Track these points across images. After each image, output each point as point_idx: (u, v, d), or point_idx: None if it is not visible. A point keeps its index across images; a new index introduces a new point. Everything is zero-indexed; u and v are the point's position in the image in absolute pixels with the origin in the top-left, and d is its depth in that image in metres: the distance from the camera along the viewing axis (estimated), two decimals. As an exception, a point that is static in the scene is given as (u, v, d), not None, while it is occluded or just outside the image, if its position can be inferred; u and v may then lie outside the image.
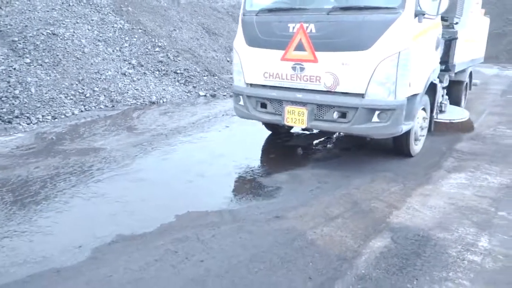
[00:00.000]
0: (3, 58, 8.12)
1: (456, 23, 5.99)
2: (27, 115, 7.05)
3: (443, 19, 5.69)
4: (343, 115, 4.58)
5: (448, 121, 6.68)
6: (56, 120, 7.23)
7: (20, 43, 8.74)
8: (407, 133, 4.87)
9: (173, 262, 2.98)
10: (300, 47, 4.62)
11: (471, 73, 8.69)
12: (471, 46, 7.49)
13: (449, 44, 5.96)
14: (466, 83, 8.37)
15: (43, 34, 9.20)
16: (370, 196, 4.19)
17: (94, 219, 3.61)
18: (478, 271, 2.94)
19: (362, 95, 4.42)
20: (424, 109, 5.30)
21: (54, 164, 4.96)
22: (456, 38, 5.94)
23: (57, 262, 2.96)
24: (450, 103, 7.30)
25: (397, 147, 5.32)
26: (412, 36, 4.34)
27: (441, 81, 6.12)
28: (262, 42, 4.94)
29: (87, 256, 3.04)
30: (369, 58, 4.28)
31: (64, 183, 4.35)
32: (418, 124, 5.17)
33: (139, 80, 9.82)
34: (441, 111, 6.51)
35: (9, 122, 6.82)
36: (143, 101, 8.99)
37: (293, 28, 4.64)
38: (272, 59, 4.86)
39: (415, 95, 4.70)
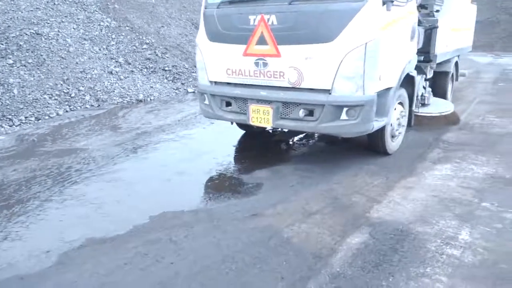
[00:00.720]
0: (-15, 60, 7.99)
1: (437, 11, 5.83)
2: (9, 117, 6.94)
3: (422, 6, 5.49)
4: (310, 113, 4.27)
5: (429, 114, 6.32)
6: (39, 121, 7.12)
7: (2, 44, 8.60)
8: (382, 129, 4.60)
9: (142, 265, 2.89)
10: (262, 41, 4.28)
11: (457, 63, 8.32)
12: (456, 35, 7.20)
13: (429, 33, 5.69)
14: (452, 74, 8.00)
15: (26, 34, 9.06)
16: (351, 190, 4.09)
17: (65, 223, 3.52)
18: (456, 265, 2.85)
19: (328, 91, 4.10)
20: (401, 103, 5.04)
21: (32, 166, 4.86)
22: (436, 27, 5.66)
23: (22, 268, 2.87)
24: (436, 96, 7.06)
25: (372, 145, 5.02)
26: (380, 25, 4.03)
27: (422, 73, 5.91)
28: (223, 36, 4.62)
29: (54, 261, 2.95)
30: (333, 51, 3.96)
31: (39, 186, 4.25)
32: (394, 119, 4.88)
33: (126, 78, 9.69)
34: (423, 104, 6.28)
35: (-9, 124, 6.72)
36: (130, 99, 8.87)
37: (254, 20, 4.29)
38: (234, 54, 4.53)
39: (388, 89, 4.43)
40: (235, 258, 2.98)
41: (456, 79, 8.57)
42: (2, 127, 6.66)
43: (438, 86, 7.37)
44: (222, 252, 3.05)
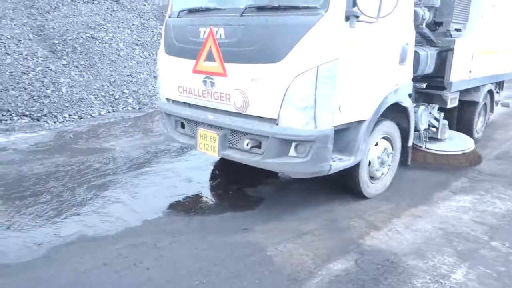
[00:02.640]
0: (42, 60, 8.65)
1: (458, 29, 5.14)
2: (55, 114, 7.46)
3: (437, 24, 5.02)
4: (259, 144, 3.65)
5: (438, 152, 5.40)
6: (81, 119, 7.59)
7: (59, 46, 9.29)
8: (355, 169, 3.91)
9: (119, 267, 2.98)
10: (210, 57, 3.72)
11: (491, 92, 6.91)
12: (489, 59, 6.10)
13: (445, 56, 5.03)
14: (484, 105, 6.78)
15: (82, 37, 9.70)
16: (353, 214, 3.94)
17: (65, 218, 3.71)
18: (437, 306, 2.66)
19: (275, 121, 3.43)
20: (388, 138, 4.31)
21: (58, 162, 5.19)
22: (451, 49, 4.96)
23: (12, 257, 3.07)
24: (460, 129, 6.18)
25: (344, 186, 4.27)
26: (341, 45, 3.32)
27: (429, 102, 5.25)
28: (177, 49, 4.10)
29: (41, 254, 3.12)
30: (280, 73, 3.31)
31: (55, 182, 4.52)
32: (375, 158, 4.16)
33: (170, 83, 10.05)
34: (435, 139, 5.49)
35: (37, 120, 7.26)
36: (170, 104, 9.18)
37: (204, 33, 3.74)
38: (185, 70, 3.99)
39: (360, 122, 3.73)
40: (211, 271, 2.98)
41: (491, 111, 7.34)
42: (47, 122, 7.18)
43: (462, 118, 6.35)
44: (199, 263, 3.07)
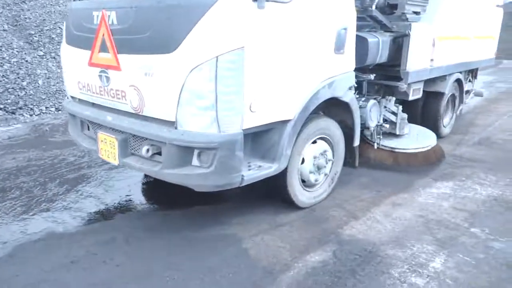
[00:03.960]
0: (17, 51, 8.37)
1: (417, 13, 4.58)
2: (31, 106, 7.25)
3: (391, 6, 4.54)
4: (160, 151, 3.07)
5: (392, 150, 4.84)
6: (59, 112, 7.38)
7: (36, 36, 9.01)
8: (283, 175, 3.36)
9: (87, 265, 2.86)
10: (104, 47, 3.10)
11: (460, 81, 6.19)
12: (457, 46, 5.51)
13: (400, 43, 4.50)
14: (452, 96, 6.14)
15: (60, 27, 9.43)
16: (332, 203, 3.87)
17: (34, 215, 3.57)
18: (414, 296, 2.60)
19: (174, 124, 2.83)
20: (327, 140, 3.76)
21: (31, 156, 5.02)
22: (406, 35, 4.43)
23: (-25, 257, 2.94)
24: (426, 123, 5.66)
25: (273, 193, 3.70)
26: (250, 30, 2.72)
27: (391, 94, 4.82)
28: (75, 38, 3.44)
29: (6, 253, 2.99)
30: (175, 65, 2.72)
31: (25, 177, 4.37)
32: (308, 161, 3.59)
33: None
34: (394, 135, 4.99)
35: (13, 113, 7.04)
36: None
37: (97, 18, 3.12)
38: (82, 63, 3.35)
39: (283, 122, 3.16)
40: (184, 265, 2.88)
41: (461, 101, 6.59)
42: (23, 115, 6.97)
43: (427, 112, 5.84)
44: (172, 258, 2.96)
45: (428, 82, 5.25)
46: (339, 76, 3.58)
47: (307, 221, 3.53)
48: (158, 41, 2.79)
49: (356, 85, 3.91)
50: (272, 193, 3.69)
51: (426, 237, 3.30)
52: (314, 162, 3.64)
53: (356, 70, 3.89)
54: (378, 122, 4.60)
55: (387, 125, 4.81)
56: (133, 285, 2.67)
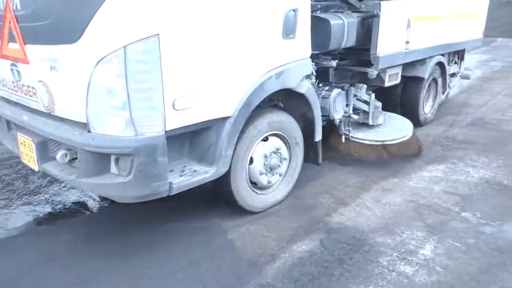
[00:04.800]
0: None
1: None
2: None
3: None
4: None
5: (364, 142, 4.46)
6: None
7: None
8: (227, 179, 3.04)
9: (66, 262, 2.77)
10: (12, 37, 2.69)
11: (442, 64, 5.74)
12: (436, 26, 5.06)
13: (369, 24, 4.07)
14: (433, 80, 5.69)
15: None
16: (321, 189, 3.78)
17: (14, 209, 3.47)
18: (403, 285, 2.52)
19: (86, 126, 2.45)
20: (282, 136, 3.36)
21: (14, 147, 4.90)
22: (375, 16, 3.97)
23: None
24: (405, 111, 5.30)
25: (221, 196, 3.32)
26: (168, 13, 2.30)
27: (362, 82, 4.42)
28: None
29: (-16, 249, 2.91)
30: (80, 58, 2.34)
31: (7, 169, 4.25)
32: (258, 161, 3.21)
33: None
34: (367, 126, 4.61)
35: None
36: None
37: (3, 2, 2.68)
38: None
39: (221, 120, 2.77)
40: (169, 259, 2.79)
41: (444, 86, 6.09)
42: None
43: (406, 98, 5.43)
44: (156, 253, 2.87)
45: (406, 66, 4.92)
46: (291, 64, 3.16)
47: (294, 209, 3.45)
48: (61, 29, 2.40)
49: (315, 73, 3.60)
50: (219, 198, 3.34)
51: (416, 223, 3.22)
52: (265, 162, 3.26)
53: (321, 55, 3.71)
54: (346, 113, 4.23)
55: (356, 116, 4.39)
56: (115, 282, 2.58)
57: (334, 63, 3.92)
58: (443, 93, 6.16)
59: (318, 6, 4.11)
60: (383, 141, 4.46)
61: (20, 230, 3.18)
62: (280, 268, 2.70)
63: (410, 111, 5.35)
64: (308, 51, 3.33)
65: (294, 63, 3.20)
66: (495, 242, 2.94)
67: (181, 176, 2.70)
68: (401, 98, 5.45)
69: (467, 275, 2.60)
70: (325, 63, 3.91)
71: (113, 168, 2.51)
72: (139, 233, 3.11)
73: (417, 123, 5.27)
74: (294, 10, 3.06)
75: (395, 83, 4.87)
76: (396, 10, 4.19)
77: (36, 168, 2.88)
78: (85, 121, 2.43)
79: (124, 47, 2.20)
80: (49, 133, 2.68)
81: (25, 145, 2.90)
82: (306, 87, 3.37)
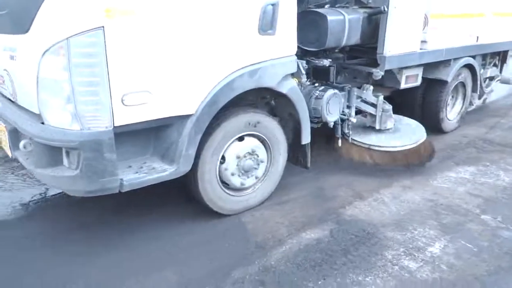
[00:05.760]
0: None
1: None
2: None
3: None
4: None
5: (371, 147, 4.17)
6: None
7: None
8: (194, 179, 2.96)
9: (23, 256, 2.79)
10: None
11: (472, 68, 5.20)
12: (466, 25, 4.66)
13: (377, 20, 3.82)
14: (461, 85, 5.25)
15: None
16: (343, 182, 3.85)
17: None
18: (403, 280, 2.55)
19: (40, 117, 2.47)
20: (260, 138, 3.22)
21: None
22: (382, 12, 3.69)
23: None
24: (426, 117, 4.97)
25: (192, 196, 3.20)
26: (113, 7, 2.21)
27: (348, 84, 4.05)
28: None
29: None
30: (30, 48, 2.38)
31: None
32: (231, 162, 3.09)
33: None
34: (374, 130, 4.28)
35: None
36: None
37: None
38: None
39: (181, 118, 2.68)
40: (186, 235, 3.00)
41: (475, 90, 5.49)
42: None
43: (428, 102, 5.05)
44: (174, 231, 3.09)
45: (428, 67, 4.59)
46: (269, 62, 2.98)
47: (312, 199, 3.54)
48: (15, 19, 2.47)
49: (303, 72, 3.40)
50: (191, 198, 3.22)
51: (431, 221, 3.20)
52: (238, 163, 3.13)
53: (326, 52, 3.66)
54: (345, 115, 3.98)
55: (354, 119, 4.04)
56: (132, 247, 2.82)
57: (326, 62, 3.73)
58: (479, 98, 5.74)
59: (327, 0, 4.04)
60: (388, 147, 4.18)
61: None
62: (286, 253, 2.81)
63: (430, 116, 5.02)
64: (292, 48, 3.14)
65: (274, 61, 3.01)
66: (510, 247, 2.87)
67: (136, 173, 2.64)
68: (422, 102, 5.10)
69: (471, 276, 2.57)
70: (317, 61, 3.73)
71: (65, 161, 2.52)
72: (160, 210, 3.33)
73: (438, 130, 5.00)
74: (273, 5, 2.86)
75: (413, 86, 4.57)
76: (408, 6, 3.85)
77: (10, 155, 2.96)
78: (38, 112, 2.45)
79: (67, 39, 2.16)
80: (13, 122, 2.73)
81: (1, 131, 2.96)
82: (288, 87, 3.18)
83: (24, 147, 2.64)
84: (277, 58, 3.03)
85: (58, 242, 2.92)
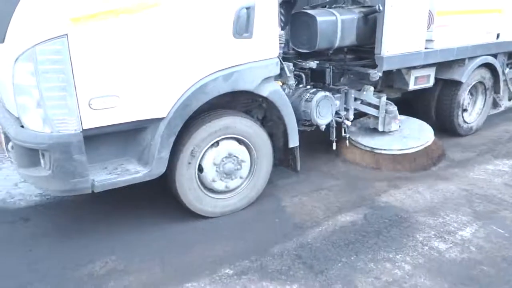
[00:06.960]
0: None
1: None
2: None
3: None
4: None
5: (374, 150, 4.12)
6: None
7: None
8: (172, 181, 3.03)
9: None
10: None
11: (492, 66, 4.86)
12: (481, 21, 4.42)
13: (374, 20, 3.71)
14: (481, 85, 4.95)
15: None
16: (381, 174, 4.01)
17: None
18: (432, 258, 2.72)
19: (20, 121, 2.64)
20: (239, 139, 3.18)
21: None
22: (377, 11, 3.58)
23: None
24: (440, 119, 4.81)
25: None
26: (79, 13, 2.34)
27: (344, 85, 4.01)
28: None
29: None
30: (6, 56, 2.55)
31: None
32: (209, 166, 3.10)
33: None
34: (377, 132, 4.20)
35: None
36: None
37: None
38: None
39: (154, 120, 2.75)
40: (228, 215, 3.31)
41: (497, 91, 5.14)
42: None
43: (441, 104, 4.78)
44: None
45: (441, 67, 4.41)
46: (246, 65, 2.97)
47: (348, 187, 3.75)
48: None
49: (288, 74, 3.37)
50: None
51: (464, 208, 3.32)
52: (217, 169, 3.14)
53: (314, 54, 3.66)
54: (341, 118, 3.98)
55: (349, 122, 4.03)
56: (165, 227, 3.17)
57: (314, 64, 3.68)
58: (509, 99, 5.48)
59: (327, 0, 4.08)
60: (390, 150, 4.10)
61: None
62: (322, 232, 3.05)
63: (444, 119, 4.81)
64: (273, 51, 3.10)
65: (251, 64, 3.00)
66: (543, 233, 2.95)
67: (109, 174, 2.74)
68: (436, 104, 4.85)
69: (500, 257, 2.70)
70: (304, 63, 3.70)
71: (42, 162, 2.64)
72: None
73: (453, 132, 4.86)
74: (247, 8, 2.86)
75: (425, 87, 4.41)
76: (407, 4, 3.71)
77: (6, 154, 3.17)
78: (17, 116, 2.64)
79: (34, 46, 2.31)
80: (2, 124, 2.92)
81: (1, 132, 3.14)
82: (269, 90, 3.15)
83: (12, 148, 2.81)
84: (255, 61, 3.02)
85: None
